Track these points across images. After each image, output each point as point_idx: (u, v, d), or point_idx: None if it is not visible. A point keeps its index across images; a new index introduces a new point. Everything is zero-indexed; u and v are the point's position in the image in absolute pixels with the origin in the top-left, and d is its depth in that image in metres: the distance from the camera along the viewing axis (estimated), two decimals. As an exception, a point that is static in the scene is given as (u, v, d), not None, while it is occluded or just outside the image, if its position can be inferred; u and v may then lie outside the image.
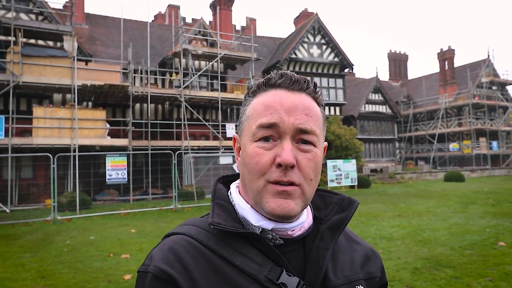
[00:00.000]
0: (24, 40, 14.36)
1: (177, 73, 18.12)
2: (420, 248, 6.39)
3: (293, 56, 21.86)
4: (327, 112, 22.99)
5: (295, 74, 0.75)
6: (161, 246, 0.73)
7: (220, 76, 19.99)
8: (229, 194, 0.80)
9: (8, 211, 12.78)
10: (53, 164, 11.17)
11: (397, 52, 42.65)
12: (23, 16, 16.05)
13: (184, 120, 16.83)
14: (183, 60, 18.13)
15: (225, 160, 17.07)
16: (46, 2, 16.24)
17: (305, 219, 0.77)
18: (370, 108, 27.48)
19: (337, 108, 23.40)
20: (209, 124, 18.01)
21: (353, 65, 23.34)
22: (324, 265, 0.73)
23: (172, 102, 18.23)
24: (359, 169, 22.86)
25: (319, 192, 0.85)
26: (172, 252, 0.70)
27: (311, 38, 22.67)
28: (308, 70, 22.64)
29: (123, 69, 16.29)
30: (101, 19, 21.53)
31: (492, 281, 4.54)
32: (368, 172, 23.98)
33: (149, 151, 15.22)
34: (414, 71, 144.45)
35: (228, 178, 0.86)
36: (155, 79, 19.39)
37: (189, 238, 0.73)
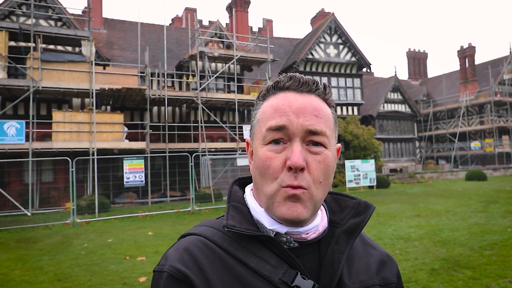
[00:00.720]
0: (44, 46, 14.63)
1: (194, 75, 18.16)
2: (438, 249, 6.22)
3: (310, 56, 21.62)
4: (344, 112, 22.63)
5: (304, 76, 0.75)
6: (176, 246, 0.74)
7: (237, 78, 19.93)
8: (244, 196, 0.80)
9: (29, 214, 13.00)
10: (72, 167, 11.29)
11: (416, 50, 41.82)
12: (42, 22, 16.39)
13: (201, 123, 16.83)
14: (199, 63, 18.16)
15: (242, 162, 16.99)
16: (65, 8, 16.54)
17: (320, 222, 0.77)
18: (389, 107, 26.93)
19: (355, 108, 22.99)
20: (226, 126, 17.96)
21: (370, 64, 22.90)
22: (339, 269, 0.72)
23: (189, 104, 18.27)
24: (378, 169, 22.39)
25: (334, 196, 0.85)
26: (187, 252, 0.71)
27: (328, 38, 22.38)
28: (325, 70, 22.34)
29: (140, 72, 16.41)
30: (119, 23, 21.83)
31: None
32: (388, 172, 23.48)
33: (167, 154, 15.25)
34: (434, 70, 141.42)
35: (244, 181, 0.87)
36: (172, 82, 19.49)
37: (204, 239, 0.73)
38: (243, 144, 17.46)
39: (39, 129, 14.58)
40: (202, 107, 16.94)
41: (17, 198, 14.09)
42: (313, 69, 22.06)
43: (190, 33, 18.35)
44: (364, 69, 23.59)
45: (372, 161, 18.31)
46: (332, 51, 22.36)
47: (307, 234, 0.74)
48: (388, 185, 19.15)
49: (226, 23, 27.21)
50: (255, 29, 28.44)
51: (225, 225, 0.73)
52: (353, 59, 22.70)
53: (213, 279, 0.68)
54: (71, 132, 13.94)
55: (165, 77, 16.63)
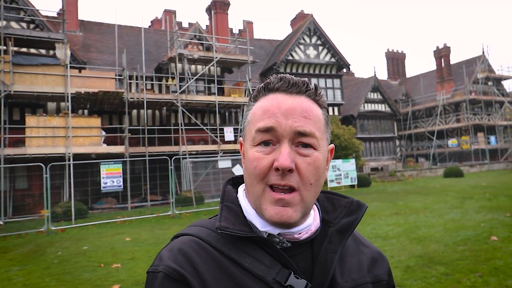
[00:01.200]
0: (16, 49, 14.19)
1: (173, 78, 17.95)
2: (414, 246, 6.30)
3: (290, 58, 21.71)
4: (325, 113, 22.81)
5: (294, 77, 0.75)
6: (170, 247, 0.74)
7: (217, 80, 19.81)
8: (237, 196, 0.80)
9: (1, 223, 12.54)
10: (46, 173, 10.94)
11: (395, 51, 42.57)
12: (13, 24, 15.90)
13: (181, 125, 16.63)
14: (179, 65, 17.96)
15: (224, 164, 16.87)
16: (38, 10, 16.09)
17: (312, 222, 0.77)
18: (370, 107, 27.32)
19: (335, 108, 23.20)
20: (207, 128, 17.81)
21: (349, 65, 23.18)
22: (332, 268, 0.73)
23: (169, 107, 18.05)
24: (360, 168, 22.63)
25: (327, 195, 0.85)
26: (181, 252, 0.70)
27: (307, 40, 22.53)
28: (305, 71, 22.47)
29: (118, 75, 16.11)
30: (96, 25, 21.41)
31: (482, 277, 4.46)
32: (369, 171, 23.77)
33: (147, 158, 15.00)
34: (412, 69, 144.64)
35: (238, 180, 0.86)
36: (152, 84, 19.23)
37: (198, 240, 0.73)
38: (224, 146, 17.37)
39: (12, 134, 14.12)
40: (182, 110, 16.74)
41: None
42: (294, 70, 22.16)
43: (169, 35, 18.14)
44: (344, 70, 23.85)
45: (353, 161, 18.49)
46: (311, 52, 22.52)
47: (299, 234, 0.74)
48: (369, 184, 19.38)
49: (206, 25, 27.07)
50: (235, 31, 28.39)
51: (218, 226, 0.73)
52: (333, 60, 22.91)
53: (208, 279, 0.67)
54: (45, 137, 13.54)
55: (144, 79, 16.38)
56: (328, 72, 23.08)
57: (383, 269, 0.84)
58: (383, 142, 27.77)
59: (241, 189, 0.82)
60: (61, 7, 14.87)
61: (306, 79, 0.75)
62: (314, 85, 0.77)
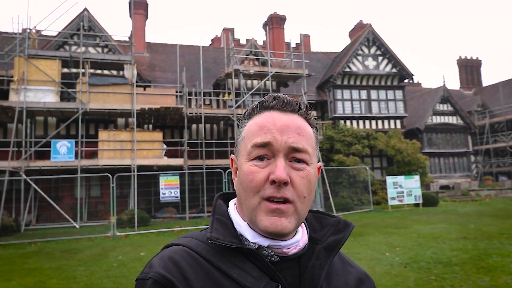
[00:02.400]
0: (92, 71, 15.83)
1: (229, 93, 18.61)
2: (481, 276, 5.62)
3: (347, 70, 21.33)
4: (386, 126, 21.91)
5: (287, 97, 0.79)
6: (160, 255, 0.75)
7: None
8: (228, 210, 0.83)
9: (77, 226, 13.89)
10: (113, 183, 11.95)
11: (468, 57, 39.49)
12: (91, 49, 17.78)
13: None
14: (235, 81, 18.62)
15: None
16: (110, 36, 17.83)
17: (300, 238, 0.79)
18: (438, 119, 25.51)
19: (397, 121, 22.18)
20: (262, 142, 18.09)
21: (413, 75, 22.09)
22: (319, 284, 0.75)
23: (226, 121, 18.71)
24: (426, 186, 21.25)
25: (315, 214, 0.87)
26: (171, 261, 0.72)
27: (366, 50, 21.99)
28: (364, 83, 21.90)
29: (179, 92, 17.14)
30: (161, 46, 23.04)
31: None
32: (437, 189, 22.14)
33: (204, 170, 15.65)
34: (489, 78, 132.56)
35: (228, 196, 0.89)
36: (210, 100, 20.13)
37: (188, 250, 0.75)
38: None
39: (88, 147, 15.65)
40: (237, 124, 17.21)
41: (69, 212, 15.12)
42: (351, 82, 21.72)
43: (225, 52, 18.91)
44: (406, 80, 22.79)
45: (417, 177, 17.44)
46: (370, 63, 21.91)
47: (288, 249, 0.76)
48: (436, 203, 18.01)
49: (264, 41, 27.72)
50: (292, 44, 28.61)
51: (209, 237, 0.75)
52: (394, 70, 22.05)
53: (196, 287, 0.70)
54: (115, 150, 14.81)
55: (202, 95, 17.23)
56: (389, 83, 22.23)
57: None
58: (455, 158, 25.71)
59: (232, 203, 0.85)
60: (131, 31, 16.33)
61: (300, 100, 0.83)
62: (306, 105, 0.81)
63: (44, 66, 14.29)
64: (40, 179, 14.14)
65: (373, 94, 21.97)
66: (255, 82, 20.24)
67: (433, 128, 25.04)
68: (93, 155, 16.28)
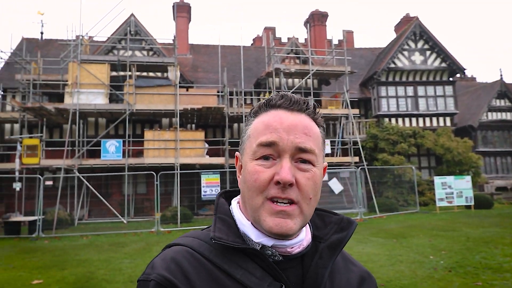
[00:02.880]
0: (138, 73, 16.55)
1: (270, 92, 18.64)
2: None
3: (392, 65, 20.53)
4: (434, 124, 20.84)
5: (295, 96, 0.78)
6: (162, 256, 0.74)
7: (314, 92, 19.87)
8: (230, 209, 0.82)
9: (125, 222, 14.60)
10: (156, 181, 12.43)
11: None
12: (137, 53, 18.60)
13: (277, 138, 17.13)
14: (276, 80, 18.62)
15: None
16: (155, 39, 18.53)
17: (304, 237, 0.78)
18: (495, 116, 23.80)
19: (447, 119, 21.00)
20: (302, 141, 17.97)
21: (464, 69, 20.81)
22: (323, 283, 0.74)
23: (267, 120, 18.74)
24: (480, 187, 19.95)
25: (318, 212, 0.86)
26: (174, 262, 0.71)
27: (412, 45, 21.03)
28: (410, 79, 20.97)
29: (220, 92, 17.45)
30: (203, 48, 23.58)
31: None
32: (492, 190, 20.67)
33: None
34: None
35: (230, 194, 0.89)
36: (251, 99, 20.29)
37: (191, 250, 0.74)
38: (321, 159, 17.23)
39: (134, 146, 16.39)
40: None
41: (117, 207, 15.93)
42: (397, 79, 20.88)
43: (266, 51, 18.96)
44: (457, 75, 21.52)
45: (468, 178, 16.39)
46: (417, 58, 20.92)
47: (292, 248, 0.75)
48: (490, 205, 16.80)
49: (305, 38, 27.44)
50: (335, 41, 28.09)
51: (212, 237, 0.74)
52: (443, 65, 20.90)
53: None
54: (159, 149, 15.39)
55: (243, 95, 17.40)
56: (437, 79, 21.10)
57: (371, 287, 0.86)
58: (514, 157, 23.87)
59: (235, 202, 0.84)
60: (174, 34, 16.89)
61: (308, 99, 0.79)
62: (313, 104, 0.80)
63: (95, 70, 15.18)
64: (92, 176, 15.05)
65: (420, 90, 20.97)
66: (296, 80, 20.11)
67: (488, 126, 23.41)
68: (139, 153, 17.03)
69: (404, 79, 20.93)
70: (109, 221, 15.21)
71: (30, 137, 15.85)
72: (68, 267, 7.13)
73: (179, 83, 16.52)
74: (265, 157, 0.73)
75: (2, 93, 17.99)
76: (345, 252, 0.89)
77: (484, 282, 5.37)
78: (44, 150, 15.30)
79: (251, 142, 0.76)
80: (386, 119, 20.33)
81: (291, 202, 0.71)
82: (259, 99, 19.90)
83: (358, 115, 20.05)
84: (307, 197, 0.72)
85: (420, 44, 21.08)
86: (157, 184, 12.54)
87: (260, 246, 0.74)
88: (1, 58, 19.41)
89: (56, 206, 13.26)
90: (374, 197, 15.41)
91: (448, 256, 7.08)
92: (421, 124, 20.67)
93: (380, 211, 14.87)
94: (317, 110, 0.80)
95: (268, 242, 0.74)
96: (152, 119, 18.08)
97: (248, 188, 0.74)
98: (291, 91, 18.13)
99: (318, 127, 0.78)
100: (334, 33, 71.38)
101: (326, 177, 16.77)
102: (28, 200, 15.00)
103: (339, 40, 27.91)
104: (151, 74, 17.98)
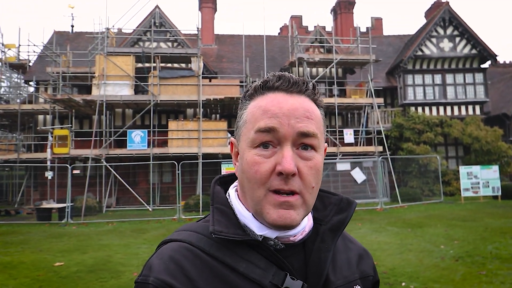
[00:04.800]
0: (162, 65, 16.99)
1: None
2: None
3: (419, 53, 19.89)
4: (463, 112, 20.10)
5: (293, 76, 0.73)
6: (160, 255, 0.71)
7: (339, 81, 19.67)
8: (227, 196, 0.79)
9: (150, 209, 15.21)
10: (178, 170, 12.84)
11: None
12: (162, 44, 19.00)
13: (298, 127, 17.18)
14: (300, 69, 18.57)
15: (342, 166, 16.73)
16: (179, 31, 18.86)
17: (306, 223, 0.76)
18: (531, 104, 22.61)
19: (477, 107, 20.18)
20: (327, 130, 17.88)
21: (496, 55, 19.85)
22: (326, 268, 0.73)
23: (289, 110, 18.79)
24: (511, 177, 19.17)
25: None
26: (173, 261, 0.68)
27: (441, 31, 20.25)
28: (439, 66, 20.25)
29: (244, 82, 17.61)
30: (228, 38, 23.74)
31: None
32: (524, 180, 19.81)
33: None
34: None
35: (225, 179, 0.85)
36: (274, 89, 20.33)
37: (190, 246, 0.71)
38: (344, 149, 17.15)
39: (159, 136, 16.92)
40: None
41: (144, 196, 16.58)
42: (424, 67, 20.24)
43: (290, 40, 18.89)
44: (489, 62, 20.56)
45: (496, 167, 15.81)
46: (446, 44, 20.15)
47: (294, 236, 0.73)
48: (519, 196, 16.20)
49: (332, 27, 27.01)
50: (363, 29, 27.45)
51: (212, 231, 0.71)
52: (473, 51, 20.03)
53: (202, 287, 0.67)
54: (182, 139, 15.83)
55: (265, 85, 17.48)
56: (467, 66, 20.25)
57: (368, 265, 0.85)
58: (550, 146, 22.62)
59: (232, 190, 0.80)
60: (199, 25, 17.15)
61: (307, 79, 0.75)
62: (313, 84, 0.75)
63: (120, 62, 15.73)
64: (120, 165, 15.73)
65: (449, 78, 20.24)
66: (320, 70, 19.94)
67: (523, 114, 22.28)
68: (164, 143, 17.59)
69: (432, 66, 20.26)
70: (135, 208, 15.88)
71: (61, 128, 16.73)
72: (90, 251, 7.58)
73: (203, 73, 16.83)
74: (265, 145, 0.69)
75: (35, 85, 19.00)
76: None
77: (488, 272, 5.34)
78: (73, 140, 16.10)
79: (247, 128, 0.72)
80: (412, 108, 19.82)
81: (294, 192, 0.68)
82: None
83: (383, 104, 19.68)
84: (309, 187, 0.70)
85: (449, 31, 20.28)
86: (178, 173, 12.96)
87: (262, 237, 0.71)
88: (34, 52, 20.51)
89: (85, 194, 13.99)
90: (396, 187, 15.20)
91: (460, 246, 7.01)
92: (449, 113, 20.01)
93: (402, 200, 14.67)
94: (316, 90, 0.75)
95: (272, 234, 0.71)
96: (176, 110, 18.54)
97: (248, 179, 0.70)
98: (315, 80, 18.04)
99: (318, 108, 0.75)
100: (362, 20, 69.46)
101: (348, 167, 16.69)
102: (60, 188, 15.87)
103: (367, 27, 27.23)
104: (175, 65, 18.39)
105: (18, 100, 20.71)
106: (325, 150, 0.77)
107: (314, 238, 0.76)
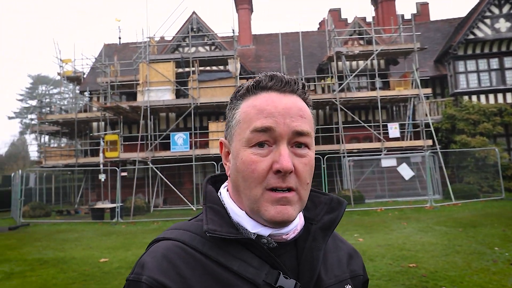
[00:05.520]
0: (201, 68, 17.32)
1: (332, 77, 18.12)
2: None
3: (471, 37, 18.43)
4: (525, 99, 18.32)
5: (285, 76, 0.75)
6: (152, 253, 0.71)
7: (382, 73, 18.83)
8: (220, 196, 0.80)
9: (194, 209, 15.58)
10: (217, 170, 12.99)
11: None
12: (200, 49, 19.40)
13: (339, 124, 16.69)
14: (339, 63, 18.03)
15: (387, 162, 16.00)
16: (216, 34, 19.12)
17: (298, 221, 0.77)
18: None
19: (542, 93, 18.31)
20: (368, 125, 17.22)
21: None
22: (318, 266, 0.74)
23: (331, 106, 18.33)
24: None
25: None
26: (166, 259, 0.69)
27: (495, 10, 18.59)
28: (494, 50, 18.63)
29: (281, 80, 17.40)
30: (266, 37, 23.68)
31: None
32: None
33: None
34: None
35: (216, 179, 0.86)
36: (315, 85, 19.93)
37: (182, 245, 0.71)
38: (388, 144, 16.38)
39: (201, 138, 17.28)
40: (340, 108, 16.75)
41: (189, 196, 17.03)
42: (477, 51, 18.72)
43: (327, 35, 18.41)
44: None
45: None
46: (502, 25, 18.47)
47: (287, 235, 0.74)
48: None
49: (373, 17, 25.91)
50: (407, 16, 26.04)
51: (206, 230, 0.71)
52: (536, 30, 18.19)
53: (195, 286, 0.67)
54: (223, 140, 16.01)
55: (302, 81, 17.19)
56: (529, 47, 18.43)
57: (358, 264, 0.86)
58: None
59: (224, 189, 0.81)
60: (235, 27, 17.28)
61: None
62: (302, 83, 0.77)
63: (162, 68, 16.28)
64: (165, 167, 16.28)
65: (508, 61, 18.55)
66: (361, 62, 19.21)
67: None
68: (206, 144, 17.92)
69: (486, 50, 18.69)
70: (180, 208, 16.36)
71: (113, 133, 17.66)
72: (133, 248, 7.96)
73: (240, 74, 16.92)
74: (260, 144, 0.70)
75: (89, 95, 20.29)
76: None
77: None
78: (122, 145, 16.93)
79: (242, 128, 0.72)
80: (465, 97, 18.40)
81: (290, 189, 0.70)
82: (323, 85, 19.52)
83: (431, 95, 18.53)
84: (304, 183, 0.71)
85: (506, 9, 18.57)
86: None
87: (256, 236, 0.72)
88: (87, 64, 21.89)
89: (133, 195, 14.65)
90: (448, 183, 14.19)
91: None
92: (509, 100, 18.32)
93: (456, 197, 13.66)
94: (306, 89, 0.77)
95: (266, 232, 0.72)
96: (216, 111, 18.82)
97: (244, 178, 0.71)
98: (354, 74, 17.43)
99: (308, 107, 0.76)
100: (406, 7, 66.10)
101: (395, 163, 15.91)
102: (113, 189, 16.78)
103: (412, 14, 25.83)
104: (213, 68, 18.67)
105: (73, 110, 22.23)
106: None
107: (305, 237, 0.77)
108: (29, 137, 47.73)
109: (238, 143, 0.72)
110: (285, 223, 0.70)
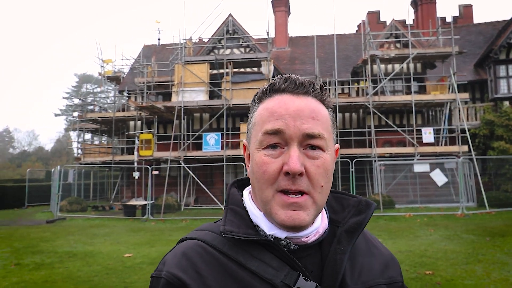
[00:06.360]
0: (235, 70, 17.74)
1: (366, 80, 17.95)
2: None
3: (515, 40, 17.61)
4: None
5: (300, 78, 0.75)
6: (174, 251, 0.74)
7: (418, 77, 18.40)
8: (243, 199, 0.80)
9: (223, 208, 15.98)
10: (246, 171, 13.27)
11: None
12: (235, 51, 19.82)
13: (372, 127, 16.53)
14: (374, 66, 17.84)
15: (420, 168, 15.63)
16: (251, 36, 19.48)
17: (320, 224, 0.76)
18: None
19: None
20: (402, 130, 16.91)
21: None
22: (342, 270, 0.72)
23: (364, 109, 18.18)
24: None
25: (335, 195, 0.84)
26: (185, 257, 0.71)
27: (543, 13, 17.63)
28: (541, 54, 17.69)
29: (313, 83, 17.46)
30: (302, 39, 23.75)
31: None
32: None
33: (338, 159, 15.70)
34: None
35: (243, 182, 0.87)
36: (349, 89, 19.82)
37: (204, 244, 0.73)
38: (422, 149, 16.03)
39: (233, 139, 17.68)
40: (373, 112, 16.59)
41: (220, 195, 17.48)
42: (522, 55, 17.84)
43: (363, 37, 18.26)
44: None
45: None
46: (550, 28, 17.50)
47: (307, 237, 0.73)
48: None
49: (413, 19, 25.27)
50: (449, 19, 25.15)
51: (221, 231, 0.73)
52: None
53: (212, 284, 0.67)
54: (253, 141, 16.32)
55: (336, 84, 17.19)
56: None
57: (396, 271, 0.84)
58: None
59: (246, 191, 0.82)
60: (271, 29, 17.58)
61: (312, 78, 0.84)
62: (320, 85, 0.76)
63: (196, 70, 16.85)
64: (197, 166, 16.82)
65: (556, 67, 17.54)
66: (396, 66, 18.88)
67: None
68: (237, 145, 18.31)
69: (531, 55, 17.78)
70: (211, 207, 16.81)
71: (148, 132, 18.47)
72: (158, 245, 8.30)
73: (273, 76, 17.16)
74: (273, 146, 0.71)
75: (127, 95, 21.30)
76: (368, 234, 0.87)
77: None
78: (156, 144, 17.66)
79: (256, 130, 0.74)
80: (506, 103, 17.62)
81: (302, 192, 0.69)
82: (357, 88, 19.35)
83: (469, 100, 17.88)
84: (318, 186, 0.70)
85: (555, 11, 17.55)
86: (246, 174, 13.38)
87: (273, 237, 0.72)
88: (127, 65, 22.98)
89: (164, 193, 15.26)
90: (482, 190, 13.70)
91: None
92: (555, 106, 17.34)
93: (491, 206, 13.17)
94: (324, 91, 0.76)
95: (281, 234, 0.72)
96: (249, 113, 19.08)
97: (257, 180, 0.72)
98: (389, 77, 17.19)
99: (327, 108, 0.76)
100: (449, 9, 63.43)
101: (428, 168, 15.54)
102: (147, 187, 17.53)
103: (453, 17, 24.94)
104: (248, 70, 19.04)
105: (112, 109, 23.36)
106: (336, 151, 0.78)
107: (331, 240, 0.76)
108: (73, 134, 50.57)
109: (253, 145, 0.74)
110: (297, 228, 0.69)
